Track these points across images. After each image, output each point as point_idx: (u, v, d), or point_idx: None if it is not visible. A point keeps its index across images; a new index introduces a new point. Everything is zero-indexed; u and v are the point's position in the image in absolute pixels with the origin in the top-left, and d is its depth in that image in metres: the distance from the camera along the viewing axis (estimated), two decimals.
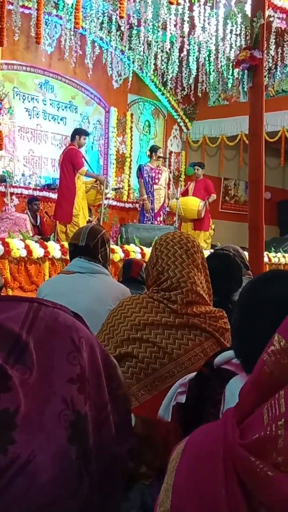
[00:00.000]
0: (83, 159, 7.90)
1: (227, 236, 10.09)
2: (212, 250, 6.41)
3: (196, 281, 2.01)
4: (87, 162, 8.20)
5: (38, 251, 5.69)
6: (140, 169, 9.32)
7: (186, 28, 8.48)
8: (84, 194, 7.90)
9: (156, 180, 9.14)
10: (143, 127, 11.82)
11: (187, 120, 12.27)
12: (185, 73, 10.68)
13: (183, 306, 1.99)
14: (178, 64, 10.10)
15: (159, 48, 9.85)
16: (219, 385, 1.13)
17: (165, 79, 11.16)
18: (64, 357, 0.96)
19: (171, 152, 12.20)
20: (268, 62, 9.71)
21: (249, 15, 5.89)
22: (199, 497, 0.81)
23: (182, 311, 1.98)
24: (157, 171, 9.17)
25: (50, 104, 10.25)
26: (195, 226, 9.57)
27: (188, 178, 12.25)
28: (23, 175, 9.82)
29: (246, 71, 5.62)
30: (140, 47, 9.90)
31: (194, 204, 9.42)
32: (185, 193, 9.95)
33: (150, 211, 9.04)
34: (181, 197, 9.75)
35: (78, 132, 8.03)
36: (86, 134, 8.25)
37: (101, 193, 8.02)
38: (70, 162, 7.73)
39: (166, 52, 9.90)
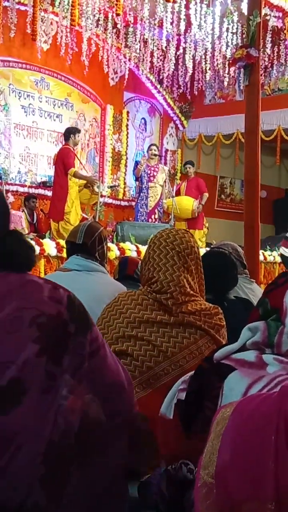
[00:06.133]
0: (75, 159, 7.89)
1: (223, 234, 10.09)
2: (208, 249, 6.42)
3: (185, 285, 2.01)
4: (80, 162, 8.16)
5: None
6: (136, 165, 9.35)
7: (182, 26, 8.47)
8: (77, 193, 7.90)
9: (152, 178, 9.14)
10: (139, 125, 11.82)
11: (183, 118, 12.28)
12: (181, 71, 10.67)
13: (175, 307, 2.00)
14: (174, 62, 10.09)
15: (155, 46, 9.84)
16: (218, 379, 1.13)
17: (161, 77, 11.16)
18: None
19: (167, 150, 12.20)
20: (264, 60, 9.72)
21: (246, 13, 5.89)
22: (245, 466, 0.81)
23: (177, 310, 1.99)
24: (153, 169, 9.18)
25: (46, 101, 10.23)
26: (189, 225, 9.55)
27: (184, 176, 12.26)
28: (18, 172, 9.80)
29: (242, 69, 5.62)
30: (137, 44, 9.89)
31: (188, 203, 9.42)
32: (177, 193, 9.95)
33: (145, 201, 9.02)
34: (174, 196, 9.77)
35: (73, 131, 8.00)
36: (79, 131, 8.27)
37: (95, 193, 8.01)
38: (61, 161, 7.76)
39: (162, 50, 9.89)
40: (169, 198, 9.09)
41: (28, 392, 0.99)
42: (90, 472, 1.06)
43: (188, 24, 8.64)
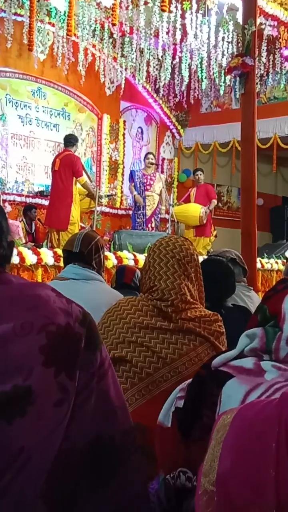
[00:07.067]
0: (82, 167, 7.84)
1: (220, 242, 10.11)
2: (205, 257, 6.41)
3: (186, 293, 2.01)
4: (85, 170, 8.10)
5: (30, 258, 5.68)
6: (131, 174, 9.38)
7: (178, 36, 8.51)
8: (79, 201, 7.85)
9: (148, 187, 9.16)
10: (136, 134, 11.86)
11: (179, 127, 12.32)
12: (178, 80, 10.73)
13: (175, 314, 2.00)
14: (170, 71, 10.14)
15: (152, 55, 9.89)
16: (216, 387, 1.13)
17: (157, 86, 11.21)
18: None
19: (163, 159, 12.24)
20: (260, 69, 9.77)
21: (241, 23, 5.93)
22: (246, 473, 0.80)
23: (176, 317, 1.99)
24: (149, 177, 9.19)
25: (43, 111, 10.27)
26: (196, 233, 9.54)
27: (181, 185, 12.29)
28: (16, 182, 9.82)
29: (238, 78, 5.66)
30: (133, 54, 9.93)
31: (195, 211, 9.40)
32: (187, 199, 9.96)
33: (142, 205, 9.02)
34: (183, 204, 9.76)
35: (76, 139, 7.99)
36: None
37: (99, 203, 8.00)
38: (70, 168, 7.56)
39: (159, 59, 9.94)
40: (167, 206, 9.10)
41: (36, 403, 0.96)
42: (101, 495, 1.03)
43: (184, 34, 8.69)
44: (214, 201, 9.95)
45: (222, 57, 9.27)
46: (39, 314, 1.02)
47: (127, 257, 6.53)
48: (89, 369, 1.04)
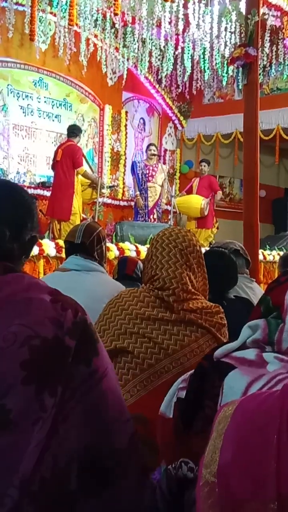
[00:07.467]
0: (83, 158, 7.85)
1: (222, 234, 10.09)
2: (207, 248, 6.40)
3: (187, 282, 2.01)
4: (87, 161, 8.10)
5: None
6: (133, 166, 9.36)
7: (180, 26, 8.46)
8: (80, 192, 7.85)
9: (150, 178, 9.14)
10: (138, 124, 11.82)
11: (181, 118, 12.28)
12: (180, 71, 10.66)
13: (177, 304, 2.00)
14: (172, 61, 10.09)
15: (154, 45, 9.83)
16: (218, 378, 1.13)
17: (159, 77, 11.15)
18: None
19: (166, 150, 12.20)
20: (263, 60, 9.71)
21: (244, 13, 5.90)
22: (247, 465, 0.81)
23: (178, 307, 1.99)
24: (151, 168, 9.17)
25: (45, 101, 10.23)
26: (198, 224, 9.53)
27: (183, 176, 12.26)
28: (17, 173, 9.80)
29: (240, 68, 5.63)
30: (135, 44, 9.88)
31: (196, 202, 9.38)
32: (189, 190, 9.92)
33: (143, 207, 9.04)
34: (185, 194, 9.74)
35: (80, 130, 8.00)
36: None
37: (101, 194, 8.00)
38: (71, 158, 7.58)
39: (161, 49, 9.88)
40: (168, 198, 9.08)
41: (13, 422, 0.92)
42: (97, 506, 1.02)
43: (187, 24, 8.63)
44: (220, 193, 9.95)
45: (225, 48, 9.22)
46: (25, 325, 0.97)
47: (129, 249, 6.53)
48: (75, 382, 1.00)
